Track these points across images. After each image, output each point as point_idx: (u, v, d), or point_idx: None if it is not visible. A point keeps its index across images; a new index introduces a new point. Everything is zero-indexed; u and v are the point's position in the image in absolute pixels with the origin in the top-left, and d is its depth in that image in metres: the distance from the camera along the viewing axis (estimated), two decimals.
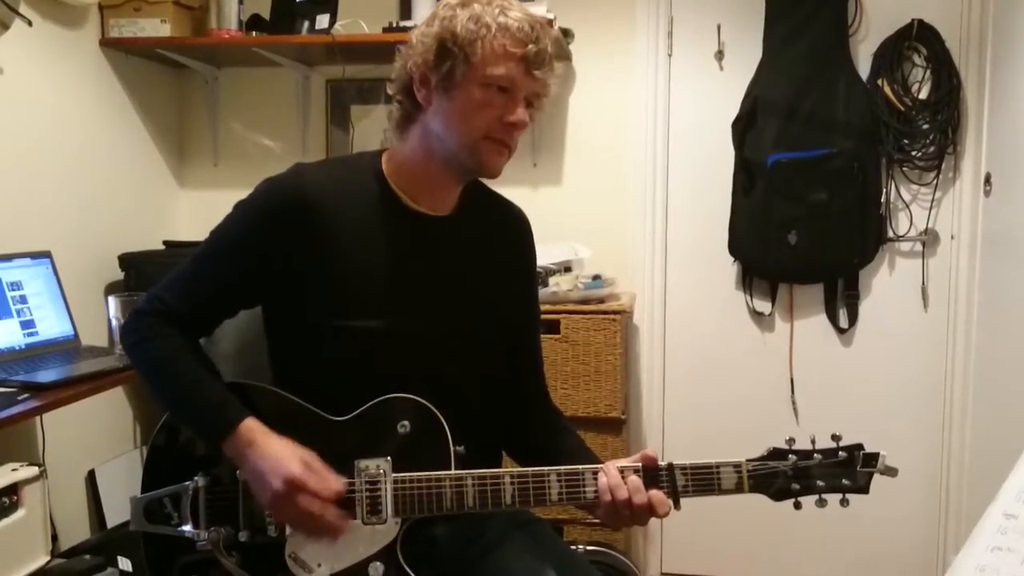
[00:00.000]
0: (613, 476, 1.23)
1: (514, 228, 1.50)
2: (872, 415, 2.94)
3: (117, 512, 2.70)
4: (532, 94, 1.31)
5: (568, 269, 2.86)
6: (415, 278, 1.35)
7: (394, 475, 1.24)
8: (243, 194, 1.36)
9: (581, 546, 2.62)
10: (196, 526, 1.28)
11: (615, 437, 2.69)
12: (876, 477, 1.24)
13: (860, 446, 1.25)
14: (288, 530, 1.25)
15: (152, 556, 1.34)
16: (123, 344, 1.39)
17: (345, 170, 1.38)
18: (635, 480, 1.22)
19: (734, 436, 2.95)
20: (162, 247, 2.98)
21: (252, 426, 1.24)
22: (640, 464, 1.24)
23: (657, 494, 1.22)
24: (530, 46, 1.27)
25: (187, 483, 1.29)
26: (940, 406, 2.93)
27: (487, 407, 1.41)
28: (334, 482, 1.23)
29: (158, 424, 1.36)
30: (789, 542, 2.97)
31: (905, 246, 2.93)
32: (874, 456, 1.24)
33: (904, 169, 2.89)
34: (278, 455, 1.22)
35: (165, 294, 1.35)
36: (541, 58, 1.29)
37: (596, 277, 2.78)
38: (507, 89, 1.28)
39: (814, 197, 2.83)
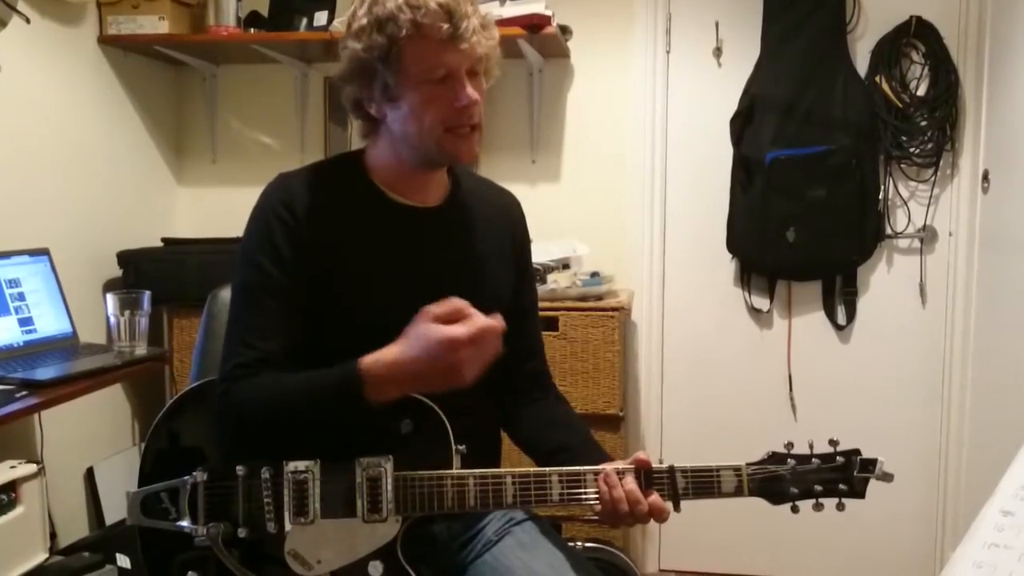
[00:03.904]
0: (612, 482, 1.22)
1: (505, 214, 1.49)
2: (870, 412, 2.94)
3: (115, 509, 2.70)
4: (471, 67, 1.28)
5: (566, 266, 2.85)
6: (406, 271, 1.35)
7: (395, 474, 1.24)
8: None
9: (579, 543, 2.62)
10: (195, 521, 1.27)
11: (613, 434, 2.69)
12: (873, 480, 1.24)
13: (857, 451, 1.25)
14: (288, 527, 1.25)
15: (149, 551, 1.32)
16: (233, 427, 1.27)
17: (328, 172, 1.38)
18: (635, 489, 1.22)
19: (732, 432, 2.94)
20: (160, 244, 2.97)
21: (368, 362, 1.20)
22: (637, 467, 1.24)
23: (657, 502, 1.22)
24: (446, 26, 1.22)
25: (186, 478, 1.28)
26: (938, 403, 2.93)
27: (486, 399, 1.41)
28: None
29: (154, 421, 1.36)
30: (787, 538, 2.97)
31: (903, 243, 2.93)
32: (871, 462, 1.24)
33: (902, 166, 2.89)
34: (408, 353, 1.18)
35: (236, 359, 1.27)
36: (463, 31, 1.23)
37: (594, 274, 2.78)
38: (446, 77, 1.26)
39: (812, 194, 2.83)
